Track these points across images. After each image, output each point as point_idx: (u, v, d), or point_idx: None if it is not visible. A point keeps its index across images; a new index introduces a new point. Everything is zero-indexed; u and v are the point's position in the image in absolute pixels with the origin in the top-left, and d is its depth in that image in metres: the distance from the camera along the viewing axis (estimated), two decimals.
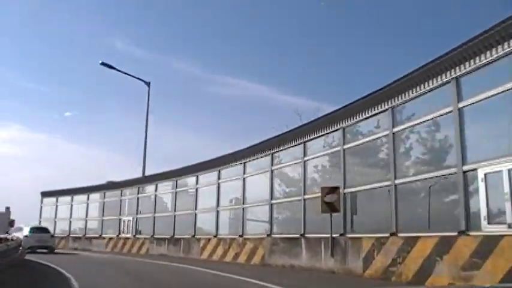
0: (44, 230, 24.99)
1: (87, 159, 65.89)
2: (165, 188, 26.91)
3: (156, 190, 27.68)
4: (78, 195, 34.21)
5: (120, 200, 30.83)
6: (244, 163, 19.82)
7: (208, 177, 22.73)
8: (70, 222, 34.49)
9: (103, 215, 32.03)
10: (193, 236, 22.78)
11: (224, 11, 56.98)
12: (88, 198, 33.56)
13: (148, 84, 31.96)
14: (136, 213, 29.02)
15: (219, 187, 21.65)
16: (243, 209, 19.44)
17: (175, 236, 24.55)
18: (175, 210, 25.28)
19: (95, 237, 31.68)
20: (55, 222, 35.55)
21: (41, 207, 36.92)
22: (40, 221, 36.59)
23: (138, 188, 29.32)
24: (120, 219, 30.25)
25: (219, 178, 21.73)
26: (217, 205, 21.41)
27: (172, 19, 63.98)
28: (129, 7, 62.61)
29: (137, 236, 28.38)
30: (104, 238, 30.89)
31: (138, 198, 29.23)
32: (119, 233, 30.03)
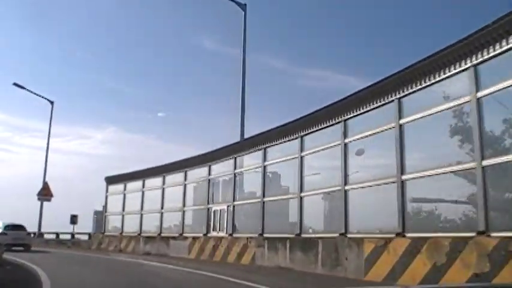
0: (20, 227, 24.07)
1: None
2: (281, 154, 16.25)
3: (264, 159, 17.07)
4: (152, 177, 24.72)
5: (208, 181, 20.68)
6: None
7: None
8: (141, 216, 25.04)
9: (184, 204, 22.10)
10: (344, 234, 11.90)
11: (308, 4, 49.13)
12: (164, 182, 23.89)
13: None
14: (233, 200, 18.64)
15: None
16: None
17: (304, 235, 13.82)
18: (301, 191, 14.55)
19: (173, 237, 21.81)
20: (123, 217, 26.46)
21: (106, 197, 28.14)
22: (105, 216, 27.77)
23: (235, 159, 18.94)
24: (209, 209, 20.10)
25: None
26: None
27: (257, 15, 58.28)
28: (212, 5, 58.84)
29: (234, 234, 17.98)
30: (185, 238, 20.88)
31: (235, 177, 18.87)
32: (207, 231, 19.86)
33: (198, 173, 21.53)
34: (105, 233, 27.62)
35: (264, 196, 16.73)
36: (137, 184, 25.93)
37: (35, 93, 33.46)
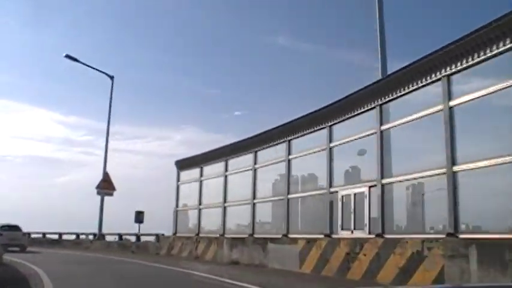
0: (16, 228, 23.85)
1: None
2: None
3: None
4: (238, 155, 17.77)
5: (329, 149, 13.25)
6: None
7: None
8: (224, 210, 18.12)
9: (288, 191, 14.81)
10: None
11: None
12: (256, 160, 16.80)
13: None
14: (381, 177, 11.05)
15: None
16: None
17: None
18: None
19: (273, 239, 14.53)
20: (199, 212, 19.76)
21: (178, 187, 21.64)
22: (176, 212, 21.28)
23: (380, 108, 11.44)
24: (333, 196, 12.64)
25: None
26: None
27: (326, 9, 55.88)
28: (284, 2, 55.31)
29: (389, 234, 10.39)
30: (294, 241, 13.47)
31: (381, 134, 11.35)
32: (332, 230, 12.41)
33: (308, 142, 14.17)
34: (177, 234, 21.10)
35: None
36: (218, 167, 19.13)
37: (91, 67, 28.24)
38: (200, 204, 19.89)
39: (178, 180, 21.62)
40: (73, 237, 30.07)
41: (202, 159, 20.10)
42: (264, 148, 16.57)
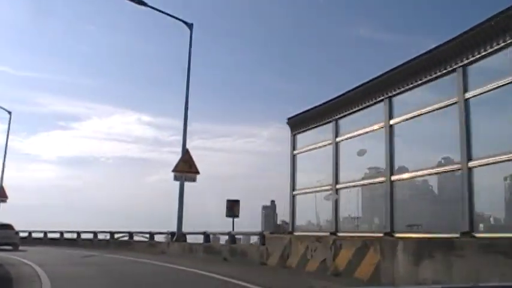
0: (8, 227, 23.79)
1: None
2: None
3: None
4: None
5: None
6: None
7: None
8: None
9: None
10: None
11: None
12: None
13: None
14: None
15: None
16: None
17: None
18: None
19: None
20: (336, 192, 11.92)
21: (293, 158, 14.03)
22: (293, 198, 13.65)
23: None
24: None
25: None
26: None
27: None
28: None
29: None
30: None
31: None
32: None
33: None
34: (295, 232, 13.52)
35: None
36: (360, 121, 11.28)
37: (169, 15, 21.81)
38: (337, 182, 12.13)
39: (293, 147, 14.03)
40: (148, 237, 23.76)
41: (334, 108, 12.36)
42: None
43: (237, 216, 17.47)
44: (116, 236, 24.95)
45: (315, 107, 13.48)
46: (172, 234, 20.14)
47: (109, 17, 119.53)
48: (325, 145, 13.18)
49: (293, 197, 13.86)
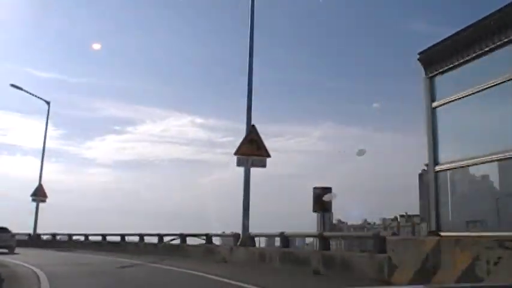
0: (4, 230, 23.41)
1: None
2: None
3: None
4: None
5: None
6: None
7: None
8: None
9: None
10: None
11: None
12: None
13: None
14: None
15: None
16: None
17: None
18: None
19: None
20: None
21: (433, 112, 8.81)
22: (436, 176, 8.32)
23: None
24: None
25: None
26: None
27: None
28: None
29: None
30: None
31: None
32: None
33: None
34: (442, 232, 8.37)
35: None
36: None
37: None
38: None
39: (431, 97, 8.84)
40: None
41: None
42: None
43: (329, 210, 12.55)
44: (166, 238, 20.60)
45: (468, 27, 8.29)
46: (236, 236, 15.49)
47: (160, 21, 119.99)
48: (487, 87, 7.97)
49: (436, 176, 8.67)
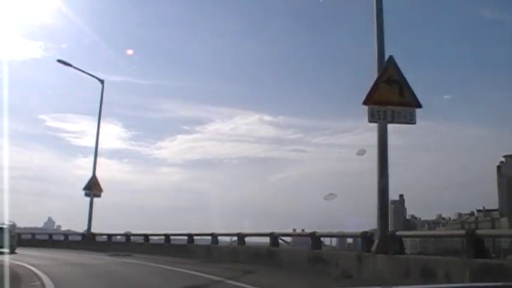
0: (4, 230, 22.42)
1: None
2: None
3: None
4: None
5: None
6: None
7: None
8: None
9: None
10: None
11: None
12: None
13: None
14: None
15: None
16: None
17: None
18: None
19: None
20: None
21: None
22: None
23: None
24: None
25: None
26: None
27: None
28: None
29: None
30: None
31: None
32: None
33: None
34: None
35: None
36: None
37: None
38: None
39: None
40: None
41: None
42: None
43: None
44: (251, 239, 15.17)
45: None
46: (366, 237, 9.73)
47: (226, 22, 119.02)
48: None
49: None
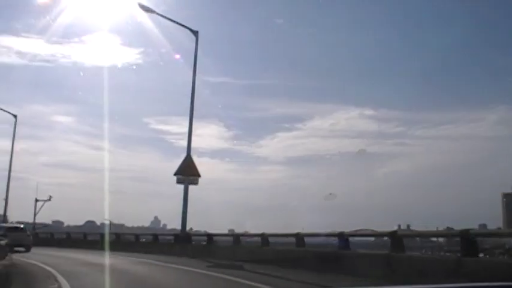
0: (21, 230, 26.25)
1: None
2: None
3: None
4: None
5: None
6: None
7: None
8: None
9: None
10: None
11: None
12: None
13: None
14: None
15: None
16: None
17: None
18: None
19: None
20: None
21: None
22: None
23: None
24: None
25: None
26: None
27: None
28: None
29: None
30: None
31: None
32: None
33: None
34: None
35: None
36: None
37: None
38: None
39: None
40: None
41: None
42: None
43: None
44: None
45: None
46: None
47: (315, 17, 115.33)
48: None
49: None
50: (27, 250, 22.73)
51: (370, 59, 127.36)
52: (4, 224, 27.60)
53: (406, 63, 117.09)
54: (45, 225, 43.53)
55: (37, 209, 40.11)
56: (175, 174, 18.63)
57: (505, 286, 2.95)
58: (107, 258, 14.84)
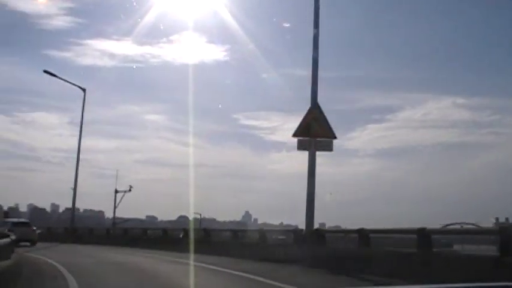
0: (27, 224, 27.42)
1: None
2: None
3: None
4: None
5: None
6: None
7: None
8: None
9: None
10: None
11: None
12: None
13: None
14: None
15: None
16: None
17: None
18: None
19: None
20: None
21: None
22: None
23: None
24: None
25: None
26: None
27: None
28: None
29: None
30: None
31: None
32: None
33: None
34: None
35: None
36: None
37: None
38: None
39: None
40: None
41: None
42: None
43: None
44: None
45: None
46: None
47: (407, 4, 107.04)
48: None
49: None
50: (33, 244, 24.25)
51: (464, 46, 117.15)
52: (11, 219, 28.68)
53: (498, 50, 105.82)
54: (125, 220, 39.37)
55: (117, 201, 36.01)
56: (294, 135, 11.61)
57: (505, 286, 2.93)
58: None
